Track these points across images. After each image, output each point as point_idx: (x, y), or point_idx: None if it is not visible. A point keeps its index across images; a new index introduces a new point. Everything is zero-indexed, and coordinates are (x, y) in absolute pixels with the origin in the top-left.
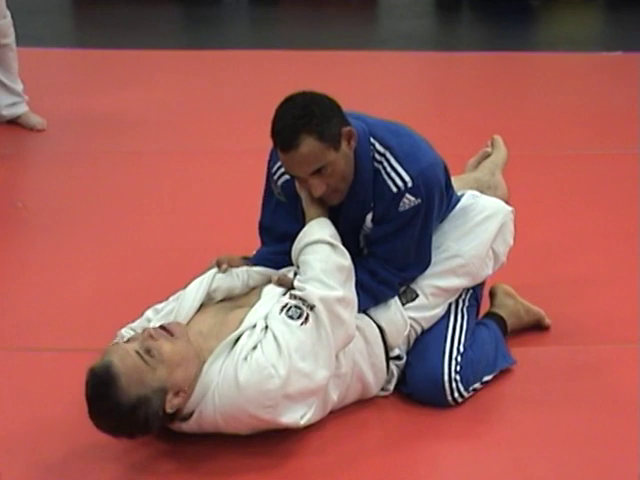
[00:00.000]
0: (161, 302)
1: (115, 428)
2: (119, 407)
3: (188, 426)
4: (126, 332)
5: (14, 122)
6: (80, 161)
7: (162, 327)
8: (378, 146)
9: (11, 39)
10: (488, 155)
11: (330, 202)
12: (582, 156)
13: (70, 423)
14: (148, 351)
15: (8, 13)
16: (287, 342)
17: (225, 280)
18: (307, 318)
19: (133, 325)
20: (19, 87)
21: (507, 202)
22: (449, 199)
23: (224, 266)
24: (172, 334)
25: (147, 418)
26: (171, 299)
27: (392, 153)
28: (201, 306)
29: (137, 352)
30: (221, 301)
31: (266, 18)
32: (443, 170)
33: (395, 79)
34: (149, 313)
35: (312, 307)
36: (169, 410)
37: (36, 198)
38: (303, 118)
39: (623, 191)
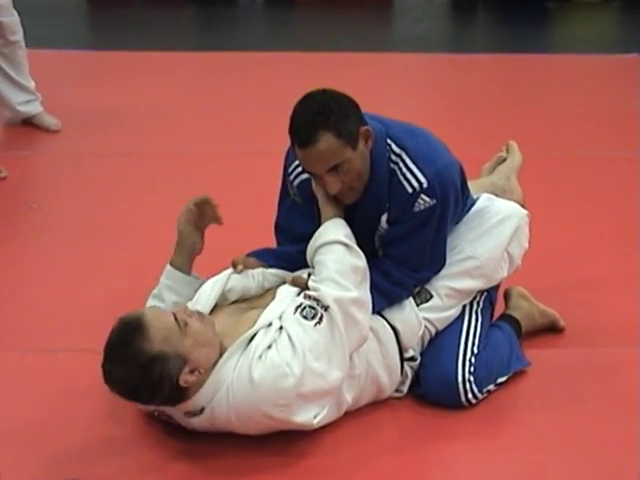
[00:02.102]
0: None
1: (127, 379)
2: (140, 355)
3: (199, 422)
4: None
5: (29, 123)
6: (94, 162)
7: (197, 311)
8: (394, 147)
9: (20, 36)
10: (503, 160)
11: (345, 201)
12: (598, 158)
13: (83, 422)
14: (183, 321)
15: (15, 12)
16: (301, 342)
17: (240, 281)
18: (321, 318)
19: None
20: (31, 85)
21: (523, 206)
22: (464, 201)
23: (240, 267)
24: (203, 318)
25: (161, 377)
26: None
27: (408, 154)
28: (215, 307)
29: (174, 315)
30: (235, 302)
31: (281, 20)
32: (459, 171)
33: (410, 81)
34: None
35: (326, 308)
36: (181, 383)
37: (50, 199)
38: (322, 115)
39: (636, 194)
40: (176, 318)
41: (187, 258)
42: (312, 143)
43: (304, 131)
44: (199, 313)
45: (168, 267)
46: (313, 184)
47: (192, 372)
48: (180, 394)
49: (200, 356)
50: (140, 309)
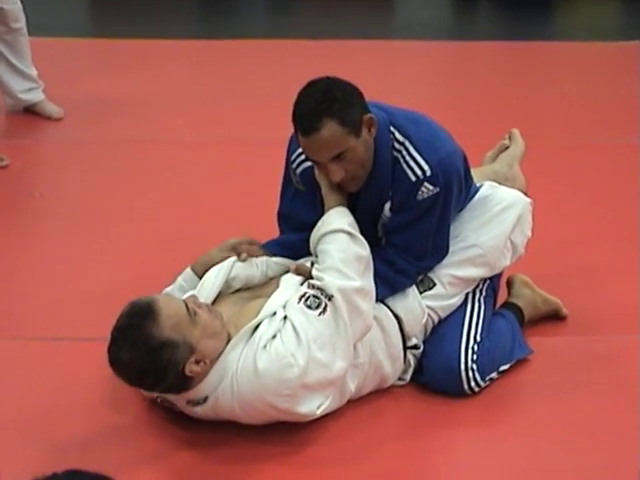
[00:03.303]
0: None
1: (134, 363)
2: (149, 340)
3: (203, 411)
4: None
5: (31, 111)
6: (97, 150)
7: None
8: (397, 135)
9: (22, 24)
10: (506, 148)
11: (348, 189)
12: (601, 146)
13: (87, 411)
14: (192, 310)
15: (17, 0)
16: (306, 332)
17: (244, 269)
18: (325, 308)
19: None
20: (33, 72)
21: (525, 194)
22: (468, 189)
23: (244, 255)
24: (211, 310)
25: (168, 363)
26: (179, 279)
27: (411, 142)
28: (219, 296)
29: (185, 303)
30: (239, 291)
31: (282, 7)
32: (462, 160)
33: (412, 69)
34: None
35: (330, 297)
36: (187, 372)
37: (53, 188)
38: (325, 102)
39: (639, 181)
40: (187, 307)
41: (209, 268)
42: (315, 131)
43: (307, 119)
44: (207, 305)
45: (188, 270)
46: (316, 172)
47: (198, 362)
48: (184, 383)
49: (207, 347)
50: (151, 295)
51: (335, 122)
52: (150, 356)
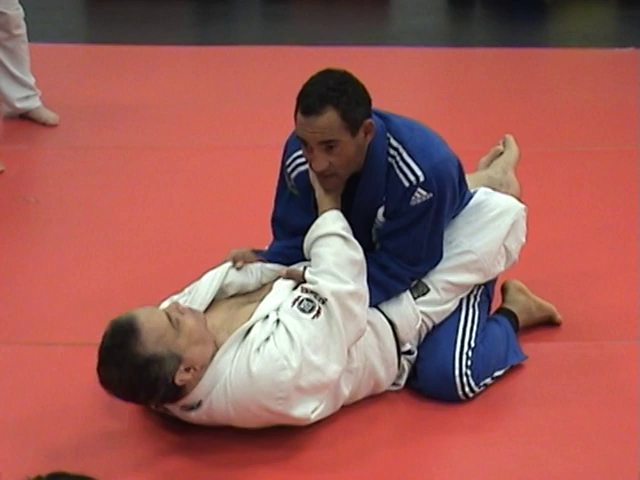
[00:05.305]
0: (176, 293)
1: (123, 382)
2: (134, 358)
3: (197, 416)
4: None
5: (26, 117)
6: (92, 156)
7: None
8: (392, 140)
9: (23, 30)
10: (500, 153)
11: (325, 186)
12: (595, 152)
13: (81, 415)
14: (176, 319)
15: (20, 6)
16: (299, 335)
17: (239, 276)
18: (319, 312)
19: None
20: (31, 80)
21: (519, 200)
22: (462, 195)
23: (239, 263)
24: (194, 314)
25: (157, 378)
26: (186, 290)
27: (405, 147)
28: (213, 301)
29: (167, 314)
30: (233, 296)
31: (278, 14)
32: (456, 166)
33: (407, 75)
34: (165, 304)
35: (324, 301)
36: (177, 382)
37: (48, 193)
38: (335, 91)
39: (635, 188)
40: (169, 317)
41: None
42: (316, 113)
43: (313, 100)
44: (191, 309)
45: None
46: (310, 176)
47: (187, 370)
48: (177, 392)
49: (195, 354)
50: (132, 310)
51: (337, 113)
52: (138, 374)
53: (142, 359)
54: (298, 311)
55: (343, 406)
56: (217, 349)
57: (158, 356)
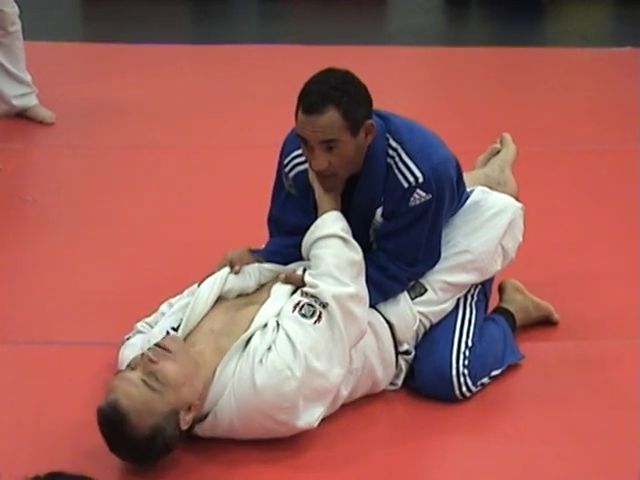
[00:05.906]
0: (175, 296)
1: (138, 457)
2: (136, 442)
3: (201, 430)
4: (141, 326)
5: (23, 115)
6: (89, 155)
7: (158, 345)
8: (391, 141)
9: (18, 27)
10: (497, 152)
11: (324, 186)
12: (592, 152)
13: (78, 415)
14: (153, 375)
15: (15, 4)
16: (301, 342)
17: (238, 281)
18: (320, 316)
19: (148, 320)
20: (28, 78)
21: (516, 198)
22: (460, 196)
23: (237, 267)
24: (169, 351)
25: (166, 443)
26: (185, 293)
27: (404, 148)
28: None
29: (143, 380)
30: None
31: (275, 13)
32: (455, 167)
33: (404, 74)
34: (163, 307)
35: (325, 305)
36: (184, 427)
37: (45, 192)
38: (338, 91)
39: (632, 187)
40: (146, 383)
41: None
42: (317, 112)
43: (314, 99)
44: (161, 346)
45: (195, 286)
46: (310, 176)
47: (188, 410)
48: (190, 429)
49: (186, 395)
50: (111, 391)
51: (339, 113)
52: (147, 448)
53: (143, 437)
54: (299, 317)
55: (341, 406)
56: (217, 360)
57: (156, 427)
